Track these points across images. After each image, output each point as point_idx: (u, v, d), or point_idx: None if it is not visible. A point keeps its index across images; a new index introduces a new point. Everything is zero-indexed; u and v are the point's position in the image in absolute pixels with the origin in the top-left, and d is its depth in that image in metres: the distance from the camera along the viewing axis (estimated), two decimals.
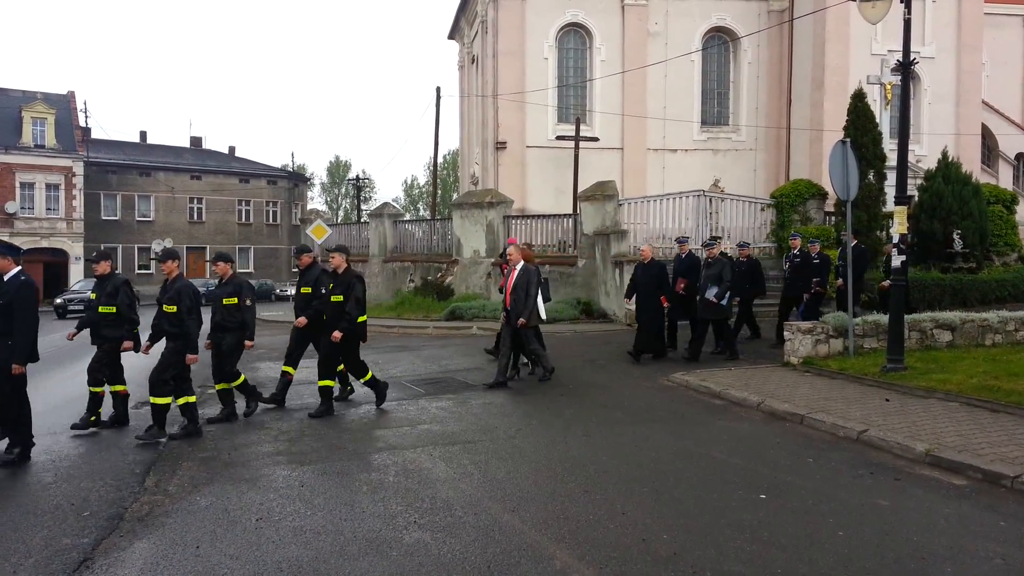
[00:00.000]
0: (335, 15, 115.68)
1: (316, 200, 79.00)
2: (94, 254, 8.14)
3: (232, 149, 57.57)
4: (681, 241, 12.50)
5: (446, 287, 20.71)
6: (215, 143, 79.52)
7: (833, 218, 19.30)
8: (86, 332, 7.86)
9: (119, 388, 7.92)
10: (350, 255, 9.06)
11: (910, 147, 11.90)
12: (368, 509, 5.16)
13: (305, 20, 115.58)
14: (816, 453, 6.42)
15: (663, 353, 11.71)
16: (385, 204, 27.15)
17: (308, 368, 9.91)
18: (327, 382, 8.36)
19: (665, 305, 11.43)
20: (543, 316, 10.29)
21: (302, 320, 8.71)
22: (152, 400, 7.32)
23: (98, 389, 7.70)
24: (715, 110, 29.00)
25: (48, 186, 41.94)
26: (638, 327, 11.77)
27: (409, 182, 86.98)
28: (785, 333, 10.79)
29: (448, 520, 4.90)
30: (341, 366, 8.69)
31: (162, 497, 5.53)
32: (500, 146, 26.86)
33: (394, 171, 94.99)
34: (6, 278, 6.45)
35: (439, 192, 48.11)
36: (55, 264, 41.44)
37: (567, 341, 14.38)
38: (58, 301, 30.21)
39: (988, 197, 18.17)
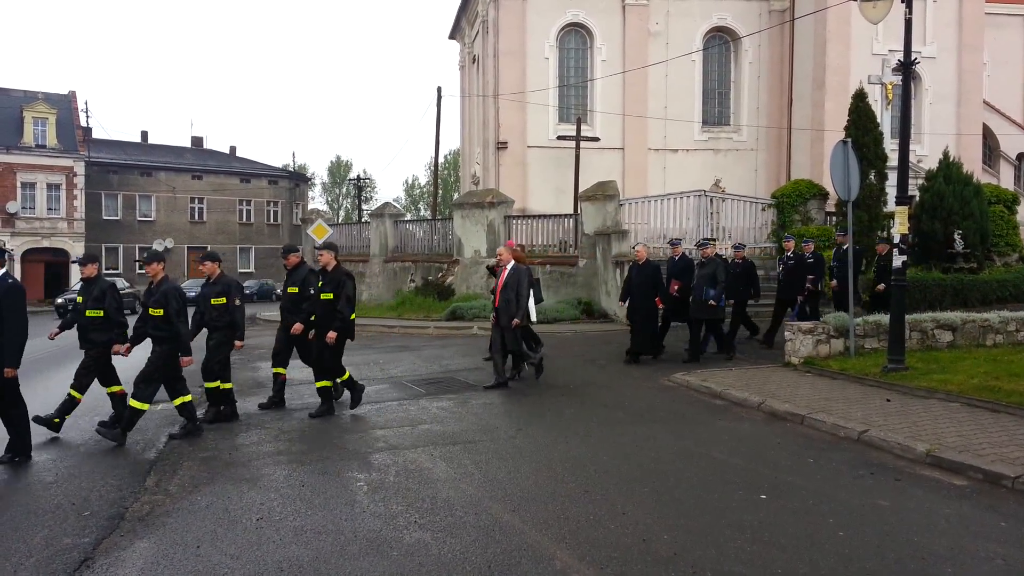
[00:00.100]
0: (336, 15, 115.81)
1: (317, 200, 79.04)
2: (81, 256, 7.99)
3: (233, 149, 57.61)
4: (674, 243, 12.46)
5: (447, 287, 20.72)
6: (216, 143, 79.84)
7: (834, 218, 19.29)
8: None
9: (116, 389, 7.84)
10: (339, 253, 9.01)
11: (911, 147, 11.86)
12: (369, 509, 5.16)
13: (306, 20, 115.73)
14: (817, 453, 6.42)
15: (659, 353, 11.70)
16: (386, 204, 27.15)
17: (308, 367, 9.88)
18: (325, 383, 8.32)
19: (660, 307, 11.38)
20: (533, 317, 10.20)
21: (298, 327, 8.41)
22: (131, 403, 7.18)
23: (77, 395, 7.50)
24: (716, 110, 28.99)
25: (49, 186, 41.97)
26: (632, 329, 11.69)
27: (410, 182, 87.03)
28: (786, 333, 10.78)
29: (449, 520, 4.90)
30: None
31: (163, 497, 5.54)
32: (501, 146, 26.86)
33: (395, 171, 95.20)
34: None
35: (440, 192, 48.10)
36: (56, 264, 41.45)
37: (568, 341, 14.39)
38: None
39: (989, 197, 18.15)
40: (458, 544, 4.49)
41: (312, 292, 8.37)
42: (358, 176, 60.13)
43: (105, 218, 46.67)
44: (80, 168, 42.70)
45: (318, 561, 4.29)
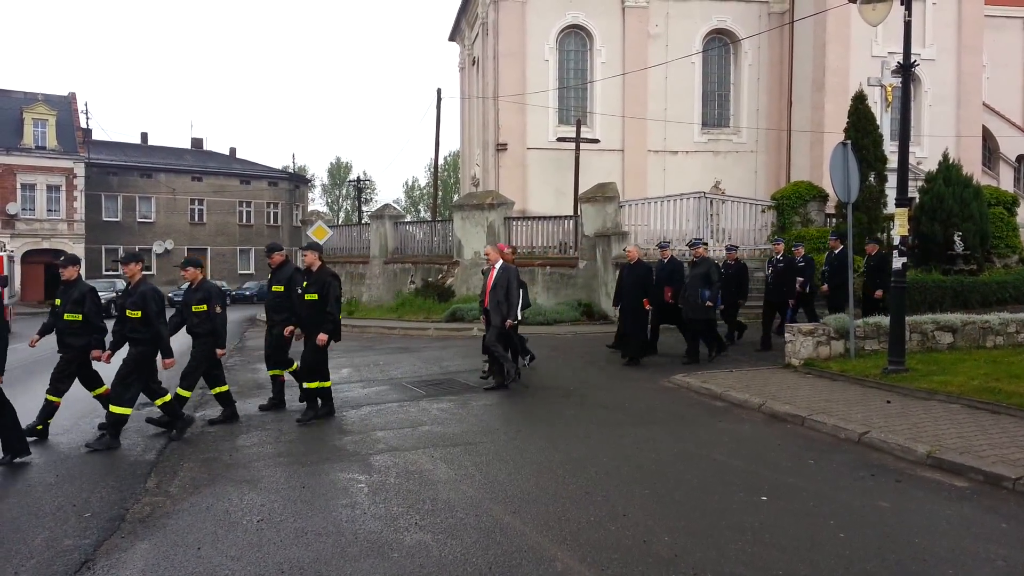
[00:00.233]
0: (336, 17, 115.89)
1: (317, 201, 79.04)
2: (61, 258, 7.76)
3: (233, 150, 57.58)
4: (662, 246, 12.45)
5: (447, 288, 20.72)
6: (216, 144, 79.54)
7: (834, 220, 19.31)
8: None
9: (101, 391, 7.75)
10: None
11: (911, 149, 11.90)
12: (369, 510, 5.16)
13: (306, 22, 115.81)
14: (817, 455, 6.42)
15: (652, 351, 11.69)
16: (386, 205, 27.15)
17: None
18: (324, 383, 8.29)
19: (648, 308, 11.29)
20: (519, 316, 10.11)
21: (289, 329, 8.38)
22: (113, 409, 7.06)
23: (54, 399, 7.38)
24: (716, 112, 29.03)
25: (49, 187, 41.98)
26: (623, 330, 11.57)
27: (410, 184, 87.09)
28: (786, 335, 10.78)
29: (449, 521, 4.90)
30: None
31: (163, 498, 5.54)
32: (501, 148, 26.88)
33: (395, 173, 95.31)
34: None
35: (440, 194, 48.11)
36: (56, 266, 41.30)
37: (568, 342, 14.39)
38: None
39: (989, 199, 18.17)
40: (459, 546, 4.49)
41: (299, 291, 8.22)
42: (358, 178, 60.12)
43: (105, 219, 46.65)
44: (80, 169, 42.71)
45: (319, 563, 4.29)
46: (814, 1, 25.57)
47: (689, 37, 27.68)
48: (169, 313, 7.86)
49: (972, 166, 23.17)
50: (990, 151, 30.03)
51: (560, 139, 26.20)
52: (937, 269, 16.19)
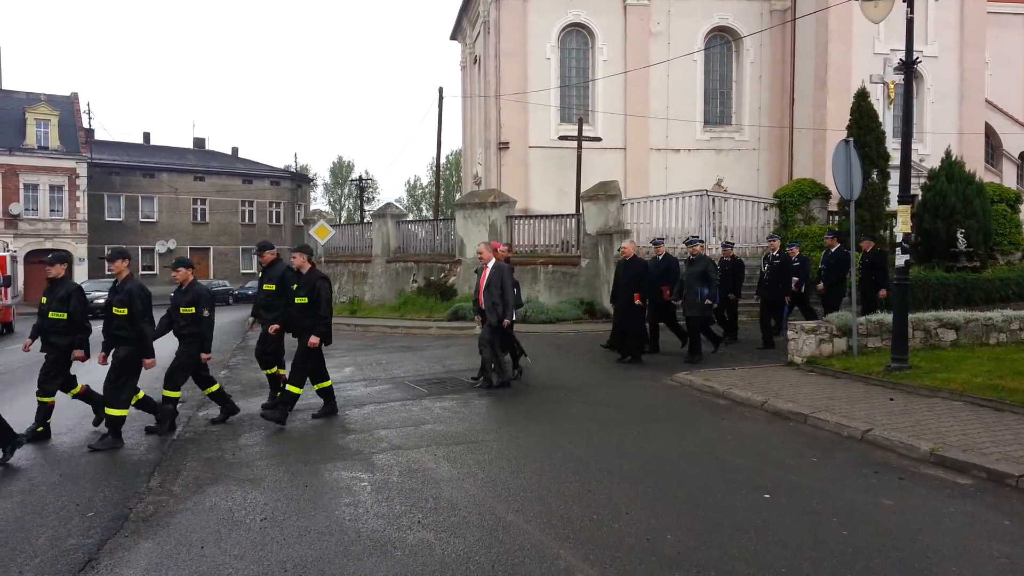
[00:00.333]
0: (338, 16, 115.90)
1: (319, 201, 79.07)
2: (49, 256, 7.62)
3: (235, 150, 57.64)
4: (656, 243, 12.42)
5: (449, 287, 20.72)
6: (218, 144, 79.59)
7: (836, 217, 19.30)
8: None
9: (78, 390, 7.66)
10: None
11: (913, 146, 11.86)
12: (372, 509, 5.17)
13: (308, 21, 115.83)
14: (820, 453, 6.41)
15: (655, 350, 11.66)
16: (388, 204, 27.14)
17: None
18: (323, 384, 8.28)
19: (637, 302, 11.15)
20: (512, 317, 10.10)
21: (275, 328, 8.33)
22: (109, 412, 7.07)
23: (46, 400, 7.30)
24: (718, 110, 28.99)
25: (52, 187, 42.05)
26: (620, 328, 11.50)
27: (412, 182, 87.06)
28: (788, 333, 10.78)
29: (452, 520, 4.91)
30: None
31: (167, 497, 5.54)
32: (503, 146, 26.87)
33: (397, 172, 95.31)
34: None
35: (442, 192, 48.15)
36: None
37: (571, 341, 14.39)
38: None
39: (992, 196, 18.13)
40: (462, 544, 4.49)
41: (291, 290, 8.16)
42: (360, 177, 60.19)
43: (108, 219, 46.73)
44: (83, 169, 42.78)
45: (322, 561, 4.29)
46: None
47: (691, 35, 27.64)
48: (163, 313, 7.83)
49: (975, 163, 23.13)
50: (993, 148, 29.96)
51: (562, 137, 26.16)
52: (940, 266, 16.16)
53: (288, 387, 7.99)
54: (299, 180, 58.54)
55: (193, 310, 7.71)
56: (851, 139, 11.10)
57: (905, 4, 9.49)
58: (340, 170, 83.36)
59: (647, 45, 27.23)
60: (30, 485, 5.95)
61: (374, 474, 6.02)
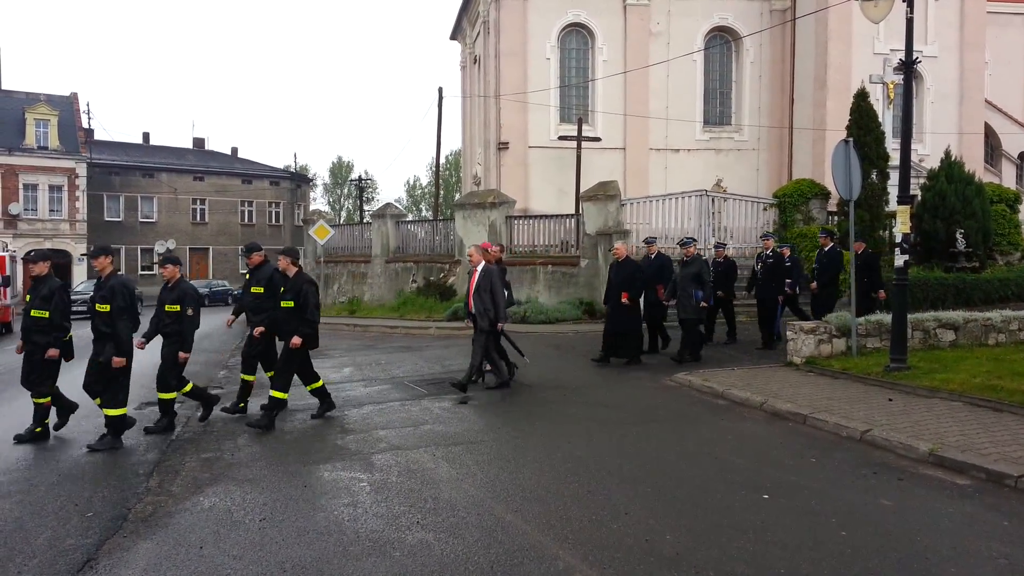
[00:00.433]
0: (338, 16, 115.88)
1: (318, 201, 79.06)
2: (31, 252, 7.68)
3: (235, 150, 57.63)
4: (648, 242, 12.39)
5: (448, 287, 20.72)
6: (218, 144, 79.41)
7: (836, 217, 19.29)
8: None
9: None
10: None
11: (913, 146, 11.85)
12: (371, 509, 5.17)
13: (308, 21, 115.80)
14: (819, 453, 6.41)
15: (653, 350, 11.64)
16: (388, 205, 27.14)
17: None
18: (315, 384, 8.25)
19: (624, 301, 11.05)
20: (505, 319, 10.00)
21: (259, 330, 8.28)
22: (106, 412, 7.06)
23: (41, 400, 7.33)
24: (717, 110, 28.98)
25: (51, 187, 42.06)
26: (612, 328, 11.36)
27: (411, 183, 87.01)
28: (788, 333, 10.78)
29: (451, 520, 4.91)
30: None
31: (166, 498, 5.54)
32: (502, 146, 26.86)
33: (397, 172, 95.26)
34: None
35: (441, 192, 48.13)
36: (58, 265, 41.41)
37: (570, 341, 14.39)
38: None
39: (991, 196, 18.12)
40: (461, 544, 4.49)
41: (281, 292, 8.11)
42: (359, 177, 60.11)
43: (107, 219, 46.73)
44: (82, 169, 42.78)
45: (321, 562, 4.29)
46: None
47: (690, 35, 27.64)
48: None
49: (974, 163, 23.13)
50: (992, 148, 29.96)
51: (562, 137, 26.16)
52: (939, 266, 16.15)
53: (272, 392, 7.87)
54: (298, 180, 58.52)
55: (177, 308, 7.65)
56: (850, 139, 11.09)
57: (905, 4, 9.50)
58: (340, 170, 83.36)
59: (647, 45, 27.23)
60: (29, 485, 5.95)
61: (373, 474, 6.02)
